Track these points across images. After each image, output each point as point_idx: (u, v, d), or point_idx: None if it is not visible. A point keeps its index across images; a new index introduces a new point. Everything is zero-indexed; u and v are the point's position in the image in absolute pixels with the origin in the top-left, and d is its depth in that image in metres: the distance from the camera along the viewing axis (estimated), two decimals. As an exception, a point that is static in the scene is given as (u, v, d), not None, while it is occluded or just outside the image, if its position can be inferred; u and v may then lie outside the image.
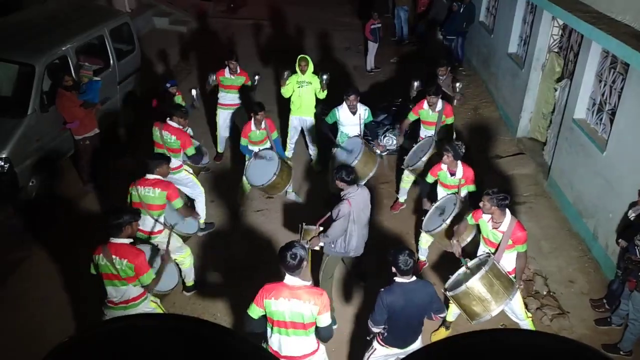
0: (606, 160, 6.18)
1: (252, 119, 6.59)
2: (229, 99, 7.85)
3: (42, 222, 6.73)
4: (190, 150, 6.27)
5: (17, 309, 5.59)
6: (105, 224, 4.33)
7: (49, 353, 0.98)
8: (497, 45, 9.98)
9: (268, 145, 6.80)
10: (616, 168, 5.98)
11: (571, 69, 7.42)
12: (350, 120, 6.80)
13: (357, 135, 6.82)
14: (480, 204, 4.74)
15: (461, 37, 11.50)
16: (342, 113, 6.82)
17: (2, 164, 6.40)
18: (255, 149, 6.73)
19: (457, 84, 7.66)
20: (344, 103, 6.81)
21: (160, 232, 5.36)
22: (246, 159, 6.83)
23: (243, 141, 6.70)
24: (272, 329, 3.85)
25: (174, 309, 5.60)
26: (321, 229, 5.28)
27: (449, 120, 6.99)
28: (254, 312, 3.80)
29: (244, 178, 6.73)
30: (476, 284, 4.42)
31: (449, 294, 4.58)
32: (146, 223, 5.23)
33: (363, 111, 6.85)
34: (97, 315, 4.61)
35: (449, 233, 5.47)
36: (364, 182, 6.02)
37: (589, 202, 6.52)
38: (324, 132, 7.13)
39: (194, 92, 7.42)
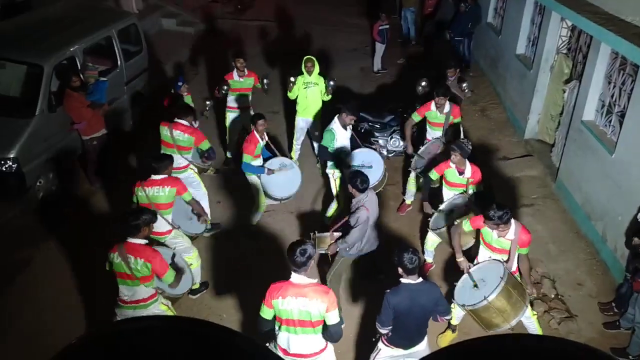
0: (615, 163, 6.13)
1: (255, 130, 6.28)
2: (240, 102, 7.74)
3: (50, 222, 6.76)
4: (205, 145, 6.23)
5: (25, 308, 5.61)
6: (123, 224, 4.37)
7: (58, 354, 0.98)
8: (505, 46, 9.94)
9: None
10: (625, 170, 5.93)
11: (580, 71, 7.37)
12: (343, 135, 6.56)
13: (367, 146, 6.70)
14: (484, 224, 4.69)
15: (468, 38, 11.46)
16: (337, 131, 6.45)
17: (10, 163, 6.45)
18: (258, 162, 6.44)
19: (464, 84, 7.65)
20: (337, 120, 6.44)
21: (169, 232, 5.38)
22: (248, 175, 6.47)
23: (247, 158, 6.20)
24: (280, 327, 3.88)
25: (180, 311, 5.60)
26: (335, 234, 5.31)
27: (456, 120, 6.96)
28: (266, 313, 3.85)
29: (260, 199, 6.56)
30: (497, 298, 4.38)
31: (467, 308, 4.50)
32: (157, 224, 5.21)
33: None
34: (105, 315, 4.64)
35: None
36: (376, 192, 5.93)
37: (597, 205, 6.47)
38: (324, 159, 6.65)
39: (208, 103, 7.40)
